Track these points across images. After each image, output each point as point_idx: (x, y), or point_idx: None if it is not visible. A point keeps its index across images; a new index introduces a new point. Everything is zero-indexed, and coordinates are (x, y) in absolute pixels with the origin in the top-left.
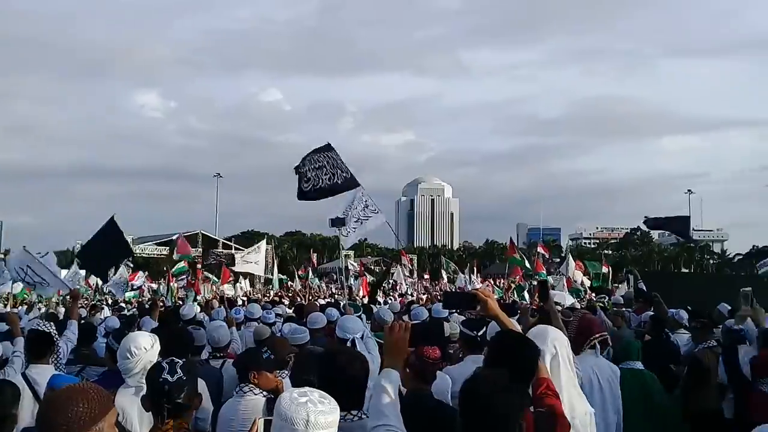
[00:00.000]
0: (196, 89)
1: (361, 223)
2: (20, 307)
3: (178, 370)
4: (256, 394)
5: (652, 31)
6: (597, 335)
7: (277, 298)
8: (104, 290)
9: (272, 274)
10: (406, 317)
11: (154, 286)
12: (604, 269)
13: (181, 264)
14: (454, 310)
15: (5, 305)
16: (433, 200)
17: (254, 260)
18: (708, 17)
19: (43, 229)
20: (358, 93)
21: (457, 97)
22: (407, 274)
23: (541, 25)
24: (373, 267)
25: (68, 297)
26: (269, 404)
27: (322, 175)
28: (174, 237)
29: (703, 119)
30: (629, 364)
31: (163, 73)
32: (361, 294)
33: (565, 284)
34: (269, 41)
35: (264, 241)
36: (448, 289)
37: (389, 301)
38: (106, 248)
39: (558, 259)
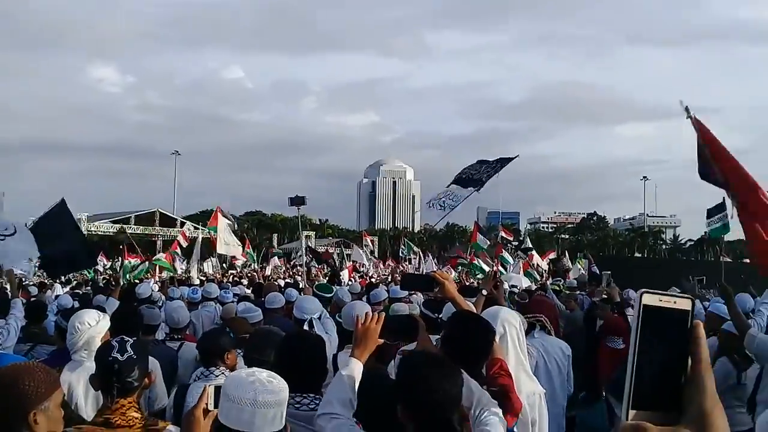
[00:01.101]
0: (155, 64)
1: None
2: None
3: (129, 349)
4: (227, 376)
5: (614, 19)
6: (530, 315)
7: (237, 278)
8: None
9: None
10: (364, 299)
11: (108, 263)
12: (551, 255)
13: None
14: (413, 292)
15: None
16: (394, 182)
17: (231, 242)
18: (669, 6)
19: None
20: (322, 72)
21: (422, 79)
22: (369, 255)
23: (505, 9)
24: (333, 249)
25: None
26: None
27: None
28: (131, 215)
29: (661, 107)
30: None
31: (121, 47)
32: (346, 277)
33: (521, 267)
34: (232, 16)
35: (225, 220)
36: (409, 271)
37: (350, 283)
38: (65, 248)
39: (516, 243)
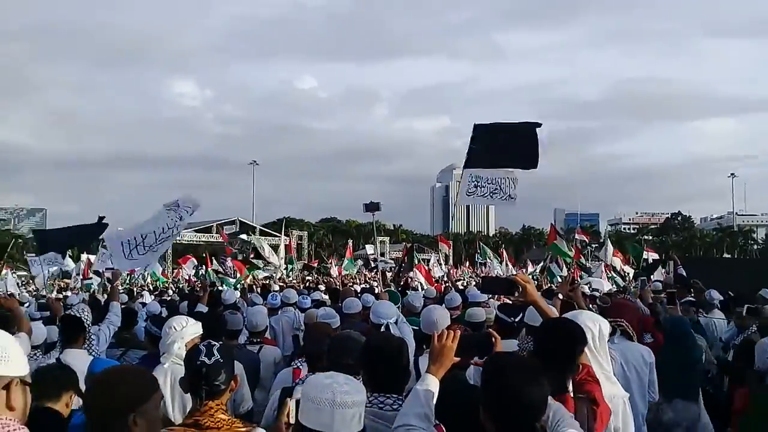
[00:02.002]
0: (232, 77)
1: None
2: (68, 293)
3: (215, 353)
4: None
5: (690, 11)
6: (610, 320)
7: (313, 285)
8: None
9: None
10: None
11: (192, 271)
12: (653, 255)
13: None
14: (489, 295)
15: (51, 291)
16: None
17: (273, 261)
18: None
19: (86, 217)
20: (392, 78)
21: (493, 81)
22: (442, 260)
23: (576, 6)
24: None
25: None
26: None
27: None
28: (213, 224)
29: (746, 100)
30: None
31: (199, 62)
32: (422, 279)
33: (603, 270)
34: (303, 27)
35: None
36: (487, 275)
37: (425, 287)
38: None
39: (596, 245)
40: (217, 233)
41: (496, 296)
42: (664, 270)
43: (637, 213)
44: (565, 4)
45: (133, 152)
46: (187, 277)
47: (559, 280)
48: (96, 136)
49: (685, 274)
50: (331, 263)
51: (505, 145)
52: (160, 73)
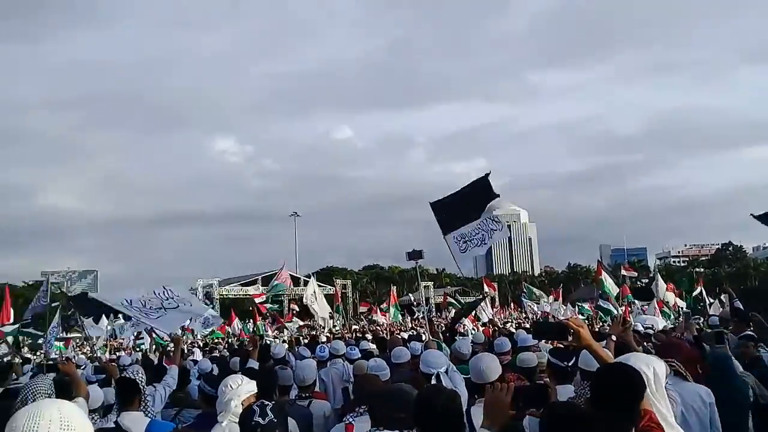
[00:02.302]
0: (270, 133)
1: (485, 241)
2: (121, 353)
3: (269, 413)
4: None
5: (728, 39)
6: (670, 360)
7: (359, 334)
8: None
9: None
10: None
11: (240, 325)
12: (697, 289)
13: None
14: (540, 340)
15: (104, 352)
16: (509, 226)
17: (318, 306)
18: None
19: (134, 276)
20: (428, 124)
21: (528, 121)
22: (488, 303)
23: (608, 42)
24: (454, 295)
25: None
26: None
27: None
28: (258, 276)
29: None
30: None
31: (238, 119)
32: (470, 325)
33: (656, 306)
34: (338, 80)
35: (312, 281)
36: (536, 317)
37: (472, 332)
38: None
39: (646, 281)
40: (264, 285)
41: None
42: (714, 301)
43: (686, 245)
44: (597, 41)
45: (178, 210)
46: (237, 332)
47: (611, 318)
48: (143, 196)
49: (741, 307)
50: (375, 311)
51: (464, 205)
52: (202, 133)
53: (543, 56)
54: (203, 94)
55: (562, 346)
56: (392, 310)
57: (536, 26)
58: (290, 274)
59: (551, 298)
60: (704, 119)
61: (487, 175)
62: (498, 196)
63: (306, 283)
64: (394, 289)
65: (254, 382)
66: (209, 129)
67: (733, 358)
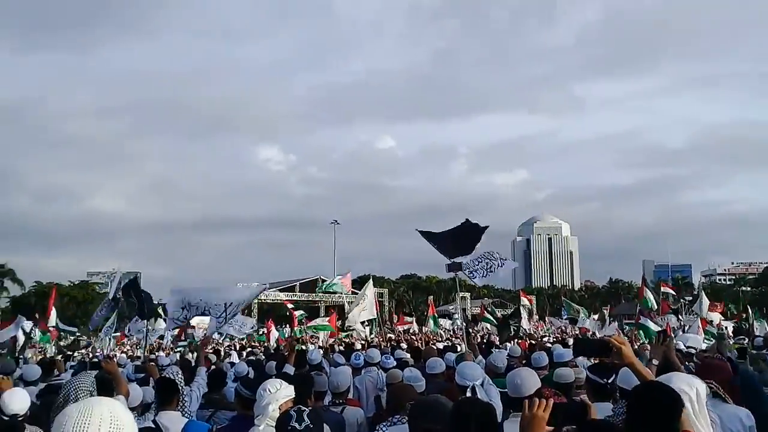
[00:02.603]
0: (314, 141)
1: (491, 269)
2: (159, 353)
3: (305, 418)
4: None
5: None
6: (709, 381)
7: (394, 342)
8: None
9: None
10: (525, 362)
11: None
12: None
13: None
14: (579, 356)
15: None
16: (550, 239)
17: (364, 307)
18: None
19: (177, 279)
20: (471, 134)
21: (573, 133)
22: (526, 315)
23: (657, 53)
24: (490, 308)
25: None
26: None
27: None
28: (296, 283)
29: None
30: None
31: (283, 128)
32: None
33: (700, 325)
34: (382, 90)
35: (370, 283)
36: (576, 333)
37: (508, 345)
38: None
39: (690, 298)
40: (301, 292)
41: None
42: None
43: (732, 263)
44: (644, 52)
45: (222, 216)
46: (275, 339)
47: (644, 340)
48: (187, 201)
49: None
50: (412, 321)
51: (453, 242)
52: (247, 141)
53: (589, 67)
54: (249, 102)
55: (600, 362)
56: (431, 321)
57: (583, 37)
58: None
59: (593, 315)
60: (754, 133)
61: (486, 227)
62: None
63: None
64: (431, 299)
65: (292, 387)
66: (254, 137)
67: (756, 375)
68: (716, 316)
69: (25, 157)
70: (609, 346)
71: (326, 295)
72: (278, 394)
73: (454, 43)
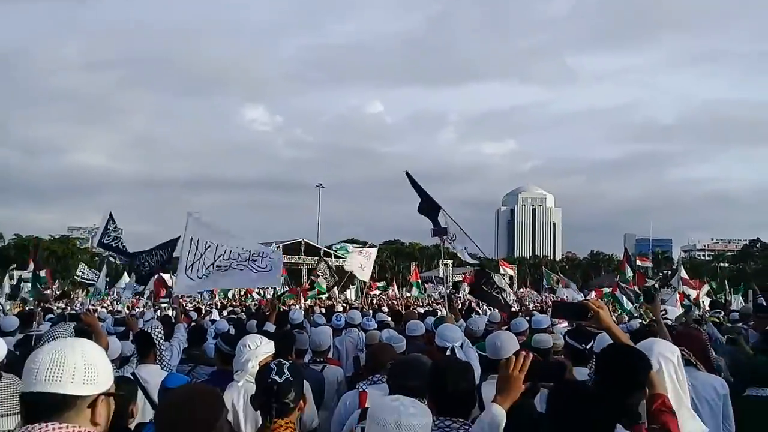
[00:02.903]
0: (302, 103)
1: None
2: (138, 309)
3: (286, 371)
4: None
5: None
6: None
7: (376, 305)
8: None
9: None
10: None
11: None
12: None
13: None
14: (556, 322)
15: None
16: (534, 210)
17: (363, 265)
18: None
19: (160, 237)
20: (461, 102)
21: (564, 105)
22: (507, 283)
23: (654, 28)
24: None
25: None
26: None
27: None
28: (277, 245)
29: None
30: (757, 390)
31: (270, 89)
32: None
33: (677, 299)
34: (373, 54)
35: (375, 250)
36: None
37: (488, 312)
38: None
39: (668, 272)
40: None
41: (566, 322)
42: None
43: (712, 239)
44: (641, 25)
45: (206, 175)
46: (257, 296)
47: (624, 310)
48: (172, 160)
49: (765, 303)
50: (393, 286)
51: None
52: (235, 101)
53: (584, 39)
54: (238, 61)
55: (577, 327)
56: (414, 287)
57: (579, 8)
58: (310, 244)
59: (572, 284)
60: (747, 113)
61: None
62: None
63: (327, 255)
64: (413, 265)
65: (272, 344)
66: (242, 97)
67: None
68: (693, 291)
69: (8, 110)
70: (587, 310)
71: (308, 257)
72: (258, 350)
73: (449, 9)
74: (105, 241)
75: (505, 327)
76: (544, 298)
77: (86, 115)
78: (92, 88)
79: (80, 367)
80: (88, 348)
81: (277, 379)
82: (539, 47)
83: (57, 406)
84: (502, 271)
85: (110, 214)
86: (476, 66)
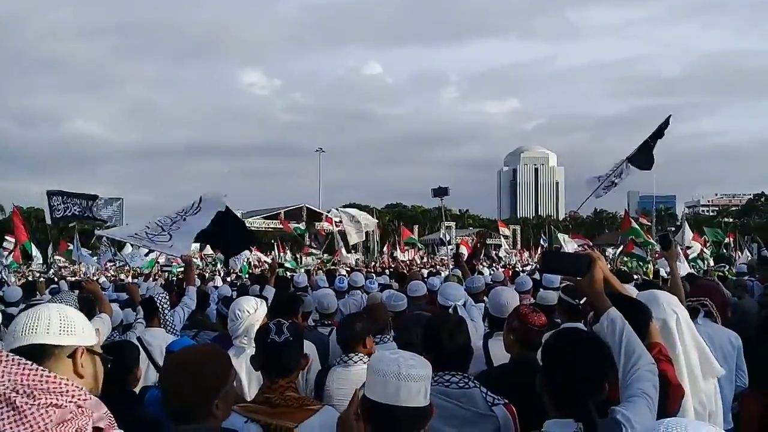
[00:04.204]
0: (299, 66)
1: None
2: (139, 278)
3: (285, 331)
4: (365, 362)
5: None
6: (694, 299)
7: (380, 268)
8: (217, 261)
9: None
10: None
11: (264, 257)
12: (728, 239)
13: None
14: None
15: (127, 276)
16: (536, 169)
17: (357, 230)
18: None
19: (160, 205)
20: (462, 61)
21: (566, 61)
22: (509, 244)
23: None
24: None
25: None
26: None
27: None
28: (280, 211)
29: None
30: None
31: (268, 52)
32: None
33: (681, 254)
34: (370, 13)
35: (372, 222)
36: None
37: (492, 272)
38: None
39: (673, 228)
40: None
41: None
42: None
43: (716, 194)
44: None
45: (206, 142)
46: (257, 263)
47: (635, 264)
48: (171, 127)
49: None
50: (399, 249)
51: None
52: (232, 65)
53: None
54: (235, 24)
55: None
56: (409, 243)
57: None
58: (312, 209)
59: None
60: (751, 62)
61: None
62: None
63: (327, 219)
64: (416, 228)
65: (265, 305)
66: (239, 61)
67: None
68: (697, 246)
69: (4, 80)
70: (583, 262)
71: (311, 224)
72: (258, 314)
73: None
74: (57, 216)
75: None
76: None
77: (81, 84)
78: (87, 57)
79: (55, 319)
80: (64, 306)
81: (277, 339)
82: (540, 2)
83: (35, 356)
84: (501, 232)
85: (47, 192)
86: (476, 23)
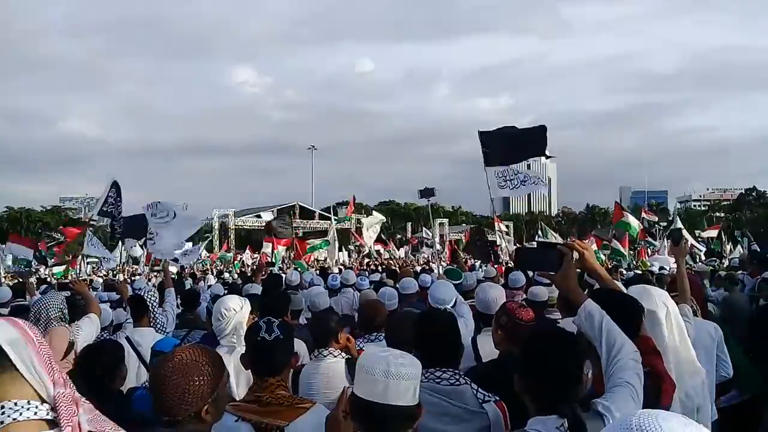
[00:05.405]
0: (291, 63)
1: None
2: (138, 277)
3: (275, 329)
4: (335, 356)
5: None
6: (673, 294)
7: (373, 266)
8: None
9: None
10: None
11: (256, 256)
12: (712, 232)
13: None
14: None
15: (116, 275)
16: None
17: (371, 234)
18: None
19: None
20: (455, 58)
21: (560, 57)
22: (504, 242)
23: None
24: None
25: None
26: (349, 364)
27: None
28: (273, 209)
29: None
30: None
31: (259, 49)
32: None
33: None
34: (362, 10)
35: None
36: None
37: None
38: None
39: (664, 224)
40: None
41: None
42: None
43: (708, 189)
44: None
45: (198, 140)
46: (250, 261)
47: (620, 259)
48: (163, 125)
49: (759, 249)
50: (389, 247)
51: (513, 145)
52: (223, 63)
53: None
54: (227, 21)
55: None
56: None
57: None
58: (305, 207)
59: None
60: (743, 57)
61: (545, 128)
62: (547, 156)
63: (321, 217)
64: (409, 225)
65: (248, 301)
66: (231, 59)
67: None
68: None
69: None
70: (560, 254)
71: (303, 221)
72: (243, 312)
73: None
74: (105, 209)
75: (502, 282)
76: None
77: (73, 82)
78: (78, 55)
79: None
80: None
81: (267, 337)
82: None
83: None
84: (497, 228)
85: (114, 183)
86: (470, 19)
